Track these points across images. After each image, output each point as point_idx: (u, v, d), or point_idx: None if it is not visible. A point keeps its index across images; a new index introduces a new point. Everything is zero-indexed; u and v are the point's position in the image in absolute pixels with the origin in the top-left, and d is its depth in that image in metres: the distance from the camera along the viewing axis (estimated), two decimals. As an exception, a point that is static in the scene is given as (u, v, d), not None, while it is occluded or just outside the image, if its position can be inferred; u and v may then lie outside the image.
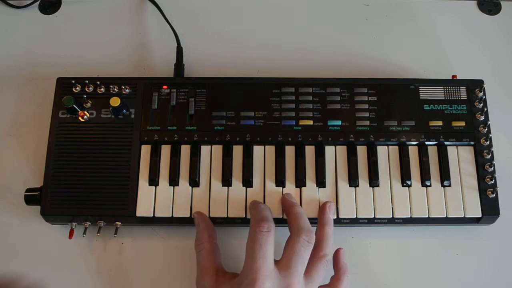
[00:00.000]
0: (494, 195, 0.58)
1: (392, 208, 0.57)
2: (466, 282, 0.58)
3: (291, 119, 0.60)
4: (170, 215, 0.57)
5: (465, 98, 0.61)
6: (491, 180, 0.58)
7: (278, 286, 0.48)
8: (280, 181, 0.58)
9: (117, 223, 0.57)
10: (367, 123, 0.60)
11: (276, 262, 0.50)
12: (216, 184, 0.58)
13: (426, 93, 0.62)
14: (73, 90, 0.61)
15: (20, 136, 0.64)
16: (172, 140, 0.59)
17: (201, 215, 0.56)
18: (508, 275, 0.58)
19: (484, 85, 0.61)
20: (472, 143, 0.60)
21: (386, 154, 0.59)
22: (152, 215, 0.57)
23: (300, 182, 0.58)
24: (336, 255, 0.55)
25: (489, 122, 0.60)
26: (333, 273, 0.55)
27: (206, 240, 0.54)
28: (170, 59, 0.67)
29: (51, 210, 0.57)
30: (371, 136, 0.60)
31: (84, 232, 0.57)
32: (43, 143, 0.59)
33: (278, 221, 0.56)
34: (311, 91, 0.61)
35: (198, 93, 0.61)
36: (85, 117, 0.59)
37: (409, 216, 0.57)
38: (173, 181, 0.58)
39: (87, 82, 0.61)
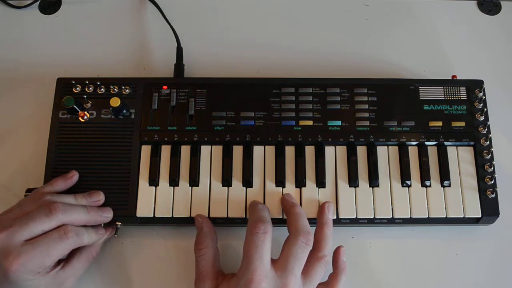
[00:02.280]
0: (493, 195, 0.58)
1: (392, 208, 0.57)
2: (466, 282, 0.58)
3: (291, 119, 0.60)
4: (170, 215, 0.57)
5: (465, 98, 0.61)
6: (491, 180, 0.58)
7: (275, 287, 0.48)
8: (280, 181, 0.58)
9: (117, 223, 0.57)
10: (367, 123, 0.60)
11: (273, 262, 0.50)
12: (216, 184, 0.58)
13: (426, 93, 0.62)
14: (73, 90, 0.61)
15: (20, 136, 0.64)
16: (172, 140, 0.59)
17: (205, 219, 0.55)
18: (508, 275, 0.58)
19: (484, 85, 0.61)
20: (472, 143, 0.60)
21: (386, 155, 0.59)
22: (152, 215, 0.57)
23: (300, 182, 0.58)
24: (336, 253, 0.55)
25: (488, 123, 0.60)
26: (331, 271, 0.55)
27: (210, 245, 0.53)
28: (170, 59, 0.67)
29: (51, 210, 0.56)
30: (371, 136, 0.60)
31: (84, 232, 0.57)
32: (43, 143, 0.59)
33: (278, 222, 0.56)
34: (311, 91, 0.61)
35: (198, 93, 0.61)
36: (85, 117, 0.60)
37: (409, 216, 0.57)
38: (173, 181, 0.58)
39: (87, 82, 0.61)
